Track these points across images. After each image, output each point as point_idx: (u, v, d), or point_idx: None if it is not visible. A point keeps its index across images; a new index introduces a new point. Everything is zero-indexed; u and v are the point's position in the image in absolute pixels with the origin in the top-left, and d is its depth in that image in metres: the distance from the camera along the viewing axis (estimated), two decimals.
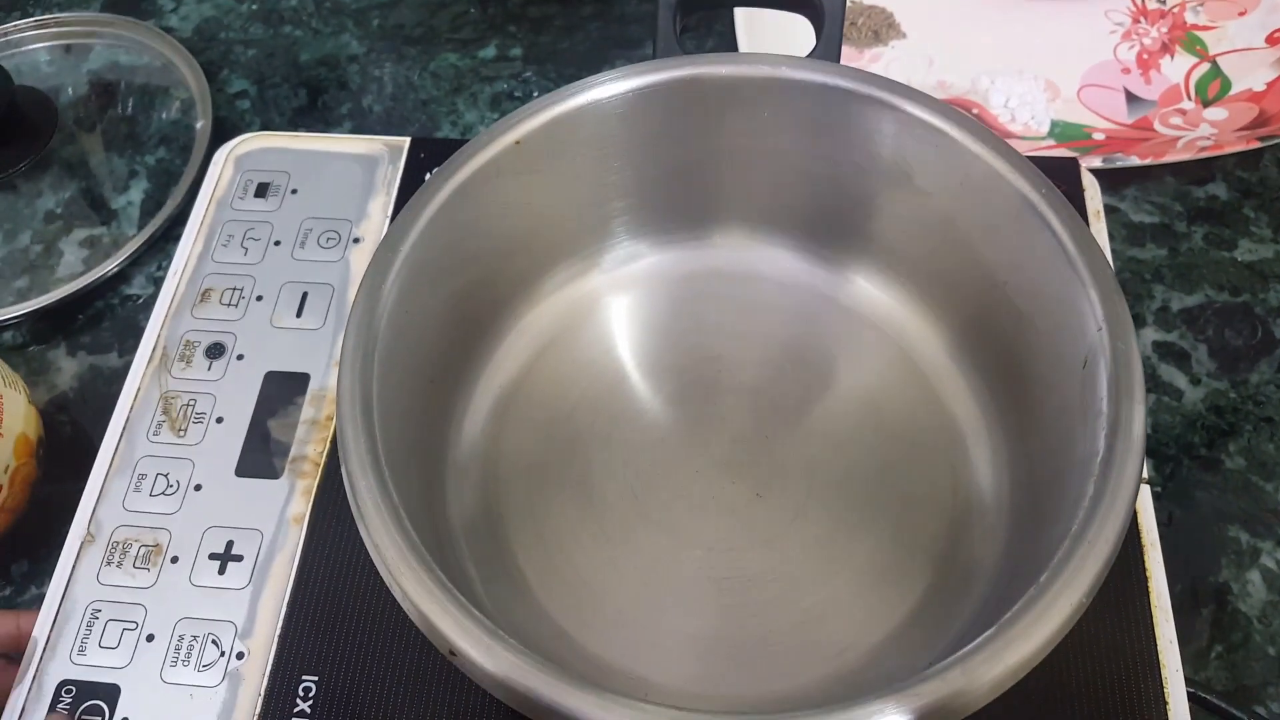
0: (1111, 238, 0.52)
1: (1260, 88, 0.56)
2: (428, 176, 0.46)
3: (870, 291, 0.42)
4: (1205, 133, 0.55)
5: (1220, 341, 0.51)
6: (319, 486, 0.40)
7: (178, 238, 0.50)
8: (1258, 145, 0.53)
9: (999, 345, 0.38)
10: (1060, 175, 0.46)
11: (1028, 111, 0.57)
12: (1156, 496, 0.45)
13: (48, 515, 0.46)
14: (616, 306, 0.43)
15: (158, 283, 0.56)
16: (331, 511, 0.40)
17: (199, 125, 0.62)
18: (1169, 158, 0.53)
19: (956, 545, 0.37)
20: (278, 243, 0.47)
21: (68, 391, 0.53)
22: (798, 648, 0.36)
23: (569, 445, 0.40)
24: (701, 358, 0.42)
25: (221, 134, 0.59)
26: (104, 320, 0.55)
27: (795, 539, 0.38)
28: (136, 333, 0.51)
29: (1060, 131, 0.57)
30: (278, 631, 0.37)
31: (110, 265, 0.56)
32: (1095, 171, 0.50)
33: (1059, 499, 0.31)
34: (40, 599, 0.40)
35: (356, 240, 0.47)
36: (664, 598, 0.37)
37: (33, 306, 0.55)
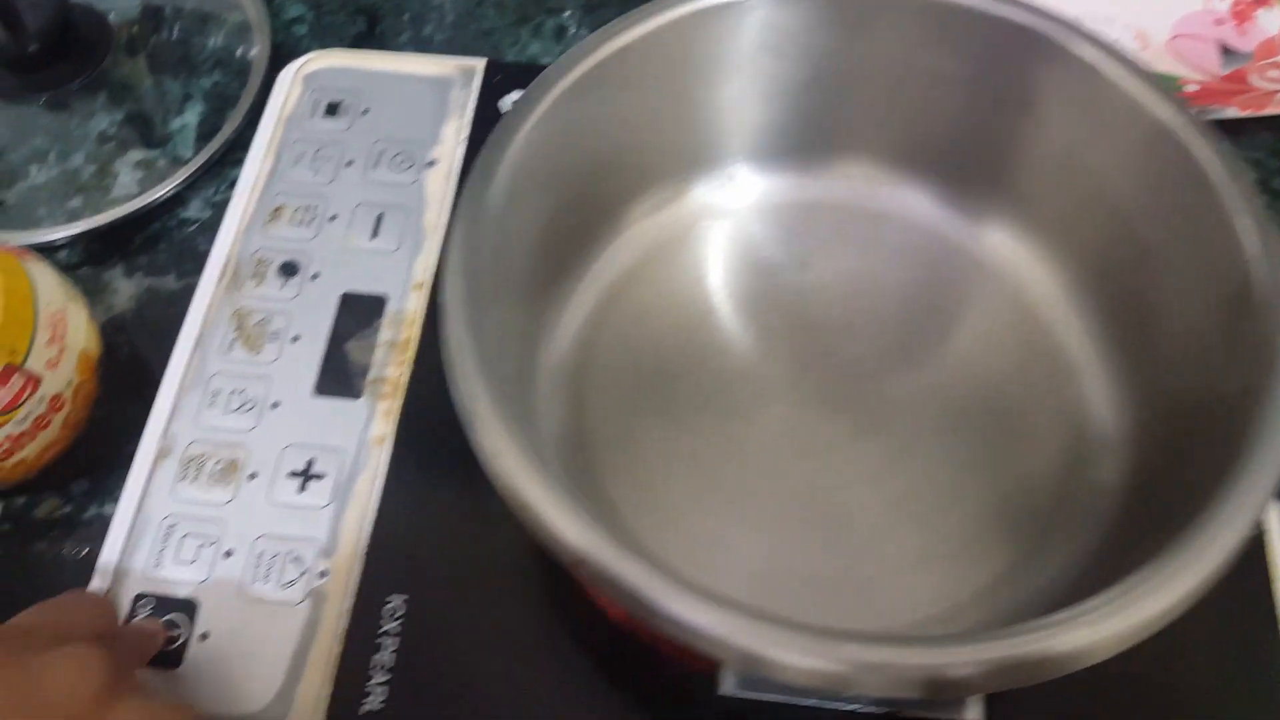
0: None
1: None
2: (506, 102, 0.45)
3: (988, 233, 0.40)
4: None
5: None
6: (401, 409, 0.39)
7: (236, 163, 0.49)
8: None
9: (1121, 283, 0.36)
10: None
11: None
12: None
13: (107, 435, 0.44)
14: (716, 232, 0.42)
15: (216, 207, 0.54)
16: (415, 434, 0.38)
17: (255, 50, 0.60)
18: (1269, 110, 0.51)
19: (1073, 485, 0.35)
20: (350, 163, 0.46)
21: (125, 313, 0.51)
22: (903, 588, 0.35)
23: (659, 374, 0.39)
24: (802, 292, 0.41)
25: (277, 60, 0.58)
26: (160, 243, 0.54)
27: (899, 478, 0.37)
28: (195, 256, 0.50)
29: None
30: (362, 549, 0.36)
31: (166, 188, 0.54)
32: None
33: (1201, 434, 0.30)
34: (99, 518, 0.38)
35: (431, 164, 0.46)
36: (759, 532, 0.36)
37: (86, 227, 0.53)
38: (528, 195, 0.34)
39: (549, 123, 0.34)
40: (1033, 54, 0.35)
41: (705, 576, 0.34)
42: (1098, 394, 0.37)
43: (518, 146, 0.33)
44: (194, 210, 0.55)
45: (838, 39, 0.38)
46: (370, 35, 0.62)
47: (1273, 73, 0.54)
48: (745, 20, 0.36)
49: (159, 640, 0.35)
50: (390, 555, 0.36)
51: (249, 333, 0.41)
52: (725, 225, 0.42)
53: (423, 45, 0.61)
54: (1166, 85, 0.54)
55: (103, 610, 0.34)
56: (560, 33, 0.61)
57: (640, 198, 0.40)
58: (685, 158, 0.40)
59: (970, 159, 0.39)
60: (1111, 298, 0.37)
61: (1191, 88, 0.54)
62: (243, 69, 0.60)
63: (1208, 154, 0.32)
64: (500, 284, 0.33)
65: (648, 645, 0.33)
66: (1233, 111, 0.51)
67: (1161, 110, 0.33)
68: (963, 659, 0.25)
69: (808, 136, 0.41)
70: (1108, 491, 0.35)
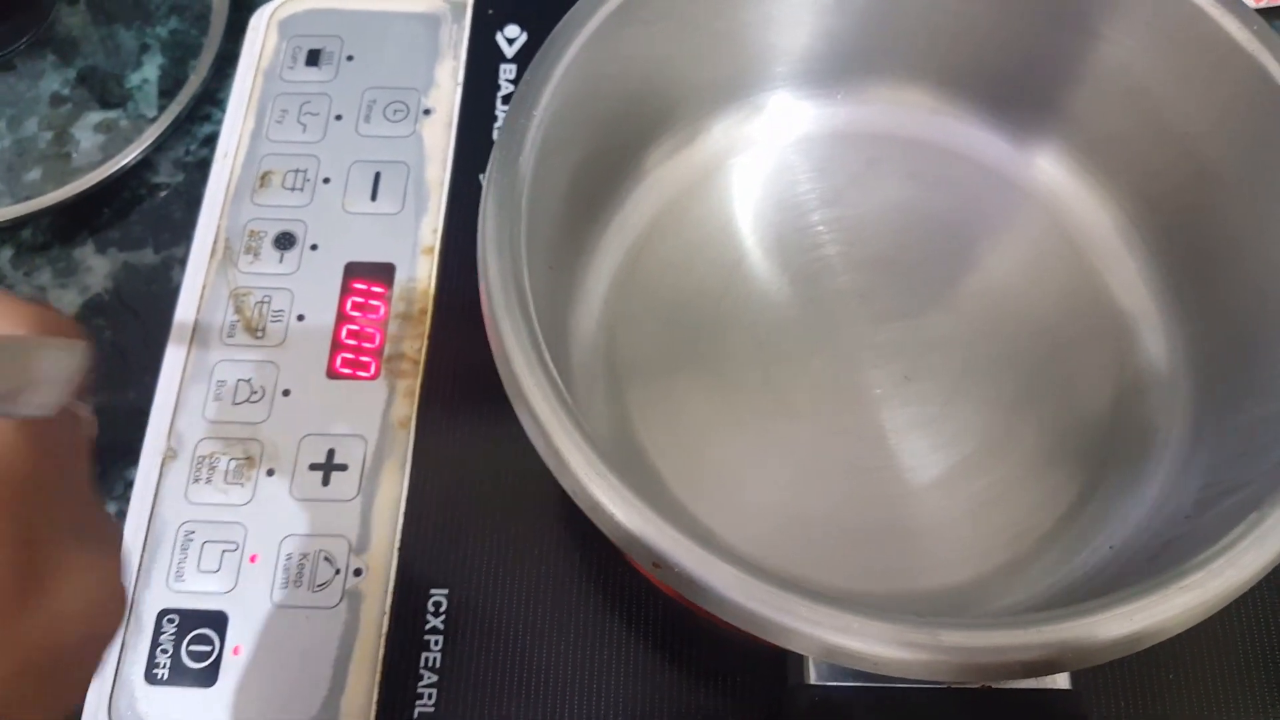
0: None
1: None
2: (501, 38, 0.42)
3: (1040, 164, 0.38)
4: None
5: None
6: (422, 386, 0.37)
7: (205, 119, 0.45)
8: None
9: (1184, 216, 0.34)
10: None
11: None
12: None
13: (104, 435, 0.42)
14: (746, 167, 0.39)
15: (188, 169, 0.50)
16: (441, 412, 0.36)
17: None
18: None
19: (1129, 423, 0.34)
20: (339, 117, 0.43)
21: (103, 294, 0.48)
22: (963, 539, 0.34)
23: (694, 330, 0.37)
24: (838, 229, 0.38)
25: (239, 1, 0.53)
26: (132, 213, 0.50)
27: (950, 424, 0.35)
28: (171, 226, 0.47)
29: None
30: (397, 543, 0.34)
31: (133, 152, 0.51)
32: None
33: (1265, 367, 0.28)
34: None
35: (427, 112, 0.43)
36: (812, 488, 0.35)
37: (50, 201, 0.50)
38: (557, 151, 0.32)
39: (579, 70, 0.31)
40: None
41: (761, 544, 0.33)
42: (1151, 332, 0.35)
43: (547, 101, 0.30)
44: (164, 174, 0.51)
45: None
46: None
47: None
48: None
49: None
50: (427, 546, 0.34)
51: (249, 315, 0.38)
52: (753, 160, 0.39)
53: None
54: None
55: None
56: None
57: (664, 136, 0.38)
58: (715, 89, 0.38)
59: (1018, 80, 0.37)
60: (1169, 228, 0.35)
61: None
62: (202, 13, 0.55)
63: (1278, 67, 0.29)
64: (533, 251, 0.30)
65: (708, 623, 0.32)
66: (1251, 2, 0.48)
67: (1230, 23, 0.30)
68: (1066, 635, 0.24)
69: (843, 60, 0.38)
70: (1164, 429, 0.33)
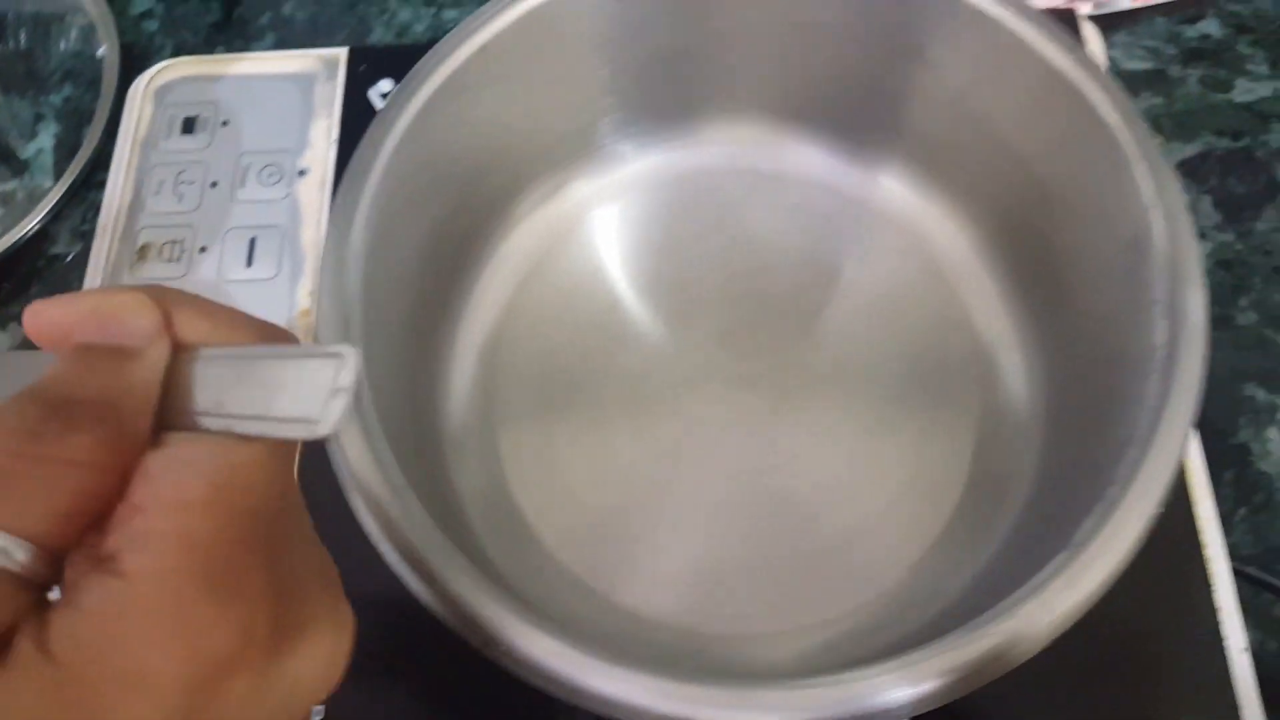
0: None
1: None
2: (375, 94, 0.42)
3: (887, 184, 0.39)
4: None
5: (1223, 191, 0.48)
6: (299, 468, 0.37)
7: (101, 185, 0.45)
8: None
9: (1030, 237, 0.35)
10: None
11: None
12: None
13: None
14: (606, 219, 0.40)
15: (85, 237, 0.51)
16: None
17: (103, 53, 0.56)
18: None
19: (988, 455, 0.35)
20: (214, 184, 0.43)
21: None
22: (837, 571, 0.35)
23: (569, 379, 0.38)
24: (705, 268, 0.39)
25: (131, 62, 0.53)
26: (32, 286, 0.50)
27: (819, 456, 0.36)
28: None
29: None
30: None
31: (30, 223, 0.51)
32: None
33: (1108, 401, 0.29)
34: None
35: (302, 172, 0.43)
36: (691, 534, 0.35)
37: None
38: (404, 217, 0.32)
39: (414, 136, 0.32)
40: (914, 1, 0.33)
41: (642, 597, 0.34)
42: (1009, 358, 0.36)
43: (382, 167, 0.30)
44: (62, 244, 0.51)
45: (692, 5, 0.35)
46: (228, 22, 0.58)
47: None
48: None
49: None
50: None
51: None
52: (616, 209, 0.40)
53: (285, 26, 0.57)
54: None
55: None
56: None
57: (521, 195, 0.38)
58: (566, 146, 0.38)
59: (862, 110, 0.38)
60: (1019, 250, 0.36)
61: None
62: (95, 77, 0.56)
63: (1100, 96, 0.30)
64: (382, 332, 0.31)
65: None
66: (1126, 3, 0.49)
67: (1052, 52, 0.31)
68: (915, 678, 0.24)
69: (690, 104, 0.39)
70: (1019, 459, 0.34)
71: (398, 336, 0.32)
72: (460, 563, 0.25)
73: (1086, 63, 0.30)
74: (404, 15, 0.57)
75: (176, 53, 0.56)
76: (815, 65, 0.37)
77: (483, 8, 0.32)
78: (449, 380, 0.36)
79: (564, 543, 0.35)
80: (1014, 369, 0.36)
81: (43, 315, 0.19)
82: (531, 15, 0.33)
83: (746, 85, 0.38)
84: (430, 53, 0.32)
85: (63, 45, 0.57)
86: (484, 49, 0.32)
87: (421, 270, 0.34)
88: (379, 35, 0.56)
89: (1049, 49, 0.31)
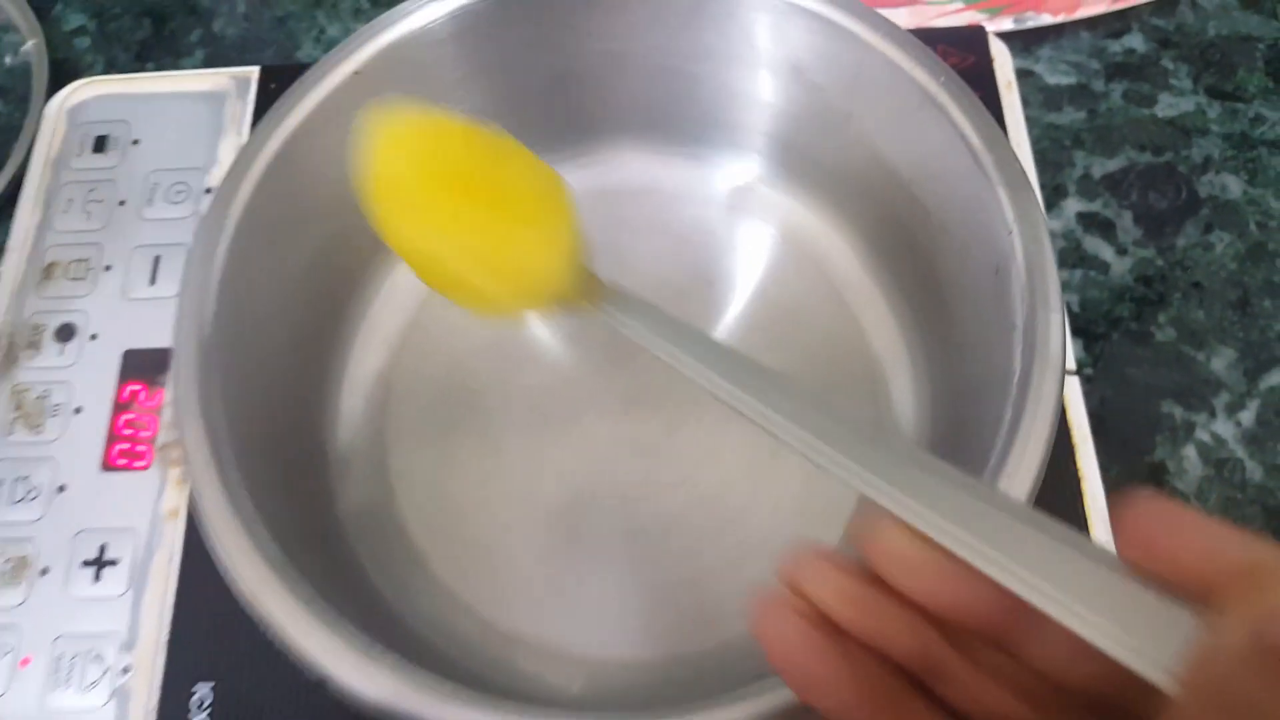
0: (1027, 104, 0.49)
1: None
2: None
3: (775, 200, 0.39)
4: None
5: (1145, 206, 0.48)
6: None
7: None
8: None
9: (913, 253, 0.35)
10: (968, 46, 0.42)
11: None
12: (1087, 380, 0.43)
13: None
14: None
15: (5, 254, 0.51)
16: None
17: (34, 70, 0.56)
18: (1082, 11, 0.49)
19: None
20: (123, 202, 0.43)
21: None
22: (732, 591, 0.34)
23: (465, 402, 0.37)
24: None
25: (61, 78, 0.53)
26: None
27: (713, 474, 0.36)
28: None
29: None
30: (164, 638, 0.35)
31: None
32: (1006, 35, 0.47)
33: (976, 423, 0.28)
34: None
35: (209, 191, 0.43)
36: (580, 556, 0.35)
37: None
38: (274, 246, 0.32)
39: (285, 163, 0.32)
40: (789, 21, 0.33)
41: (526, 619, 0.34)
42: (898, 372, 0.36)
43: (244, 201, 0.30)
44: None
45: (559, 35, 0.35)
46: (159, 38, 0.58)
47: None
48: (469, 28, 0.34)
49: None
50: (194, 640, 0.34)
51: (28, 410, 0.39)
52: None
53: (215, 43, 0.57)
54: None
55: None
56: (357, 13, 0.57)
57: None
58: None
59: (720, 121, 0.37)
60: (907, 268, 0.36)
61: None
62: (25, 94, 0.56)
63: (964, 119, 0.30)
64: (256, 353, 0.31)
65: None
66: (1047, 18, 0.49)
67: (920, 74, 0.31)
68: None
69: (564, 129, 0.38)
70: None
71: (278, 355, 0.32)
72: (293, 601, 0.24)
73: (954, 85, 0.30)
74: (333, 31, 0.57)
75: (107, 69, 0.56)
76: (678, 87, 0.37)
77: (356, 33, 0.32)
78: (339, 400, 0.36)
79: (451, 565, 0.35)
80: (903, 389, 0.35)
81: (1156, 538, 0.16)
82: (403, 42, 0.32)
83: (615, 109, 0.38)
84: (302, 77, 0.32)
85: None
86: (357, 74, 0.32)
87: (307, 293, 0.34)
88: (308, 52, 0.56)
89: (918, 71, 0.31)
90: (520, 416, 0.37)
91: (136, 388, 0.39)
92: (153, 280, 0.41)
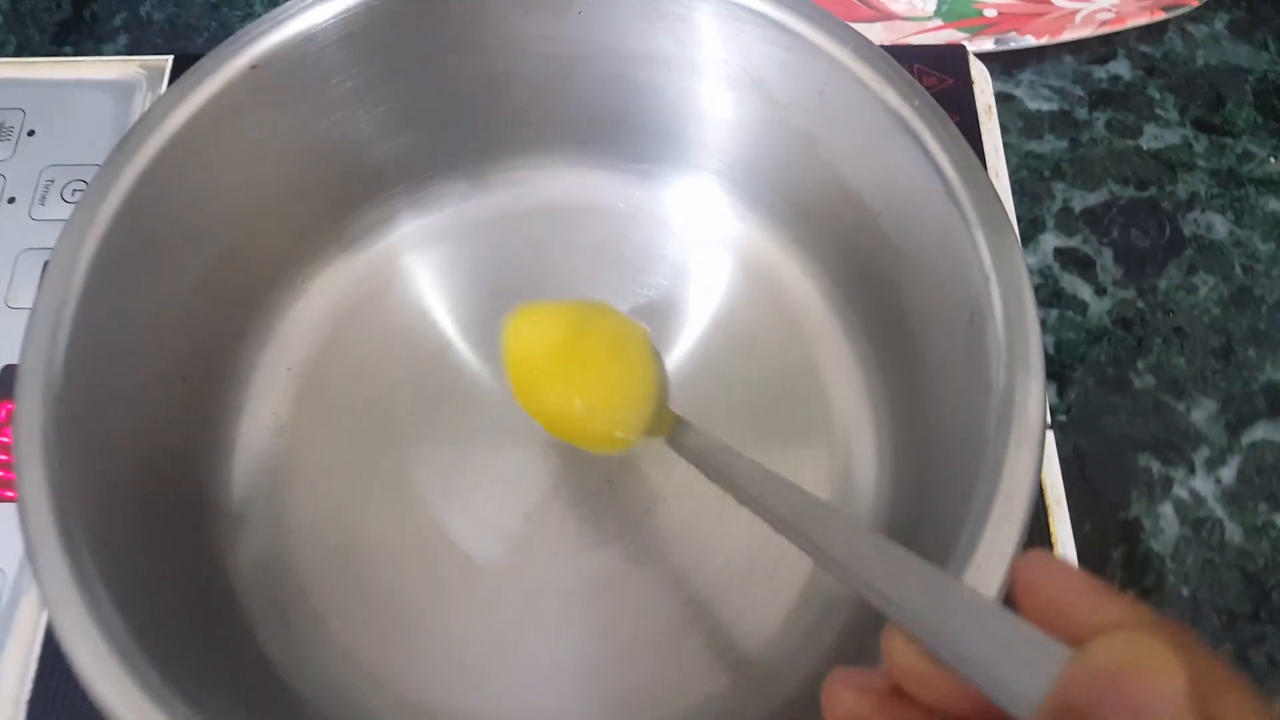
0: (1006, 130, 0.46)
1: None
2: None
3: (731, 225, 0.35)
4: (1105, 3, 0.49)
5: (1126, 243, 0.45)
6: None
7: None
8: (1163, 17, 0.47)
9: (879, 290, 0.31)
10: (946, 66, 0.39)
11: None
12: (1060, 428, 0.40)
13: None
14: (419, 265, 0.36)
15: None
16: None
17: None
18: (1067, 35, 0.46)
19: None
20: (12, 200, 0.39)
21: None
22: (675, 658, 0.31)
23: (381, 441, 0.34)
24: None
25: None
26: None
27: (653, 531, 0.32)
28: None
29: (949, 9, 0.49)
30: (25, 695, 0.31)
31: None
32: (986, 56, 0.44)
33: (942, 491, 0.25)
34: None
35: None
36: (502, 621, 0.31)
37: None
38: (153, 264, 0.28)
39: (170, 167, 0.28)
40: (749, 29, 0.29)
41: (439, 689, 0.30)
42: (858, 424, 0.32)
43: (113, 213, 0.27)
44: None
45: (489, 35, 0.32)
46: (79, 20, 0.53)
47: None
48: (386, 23, 0.30)
49: None
50: (59, 700, 0.30)
51: None
52: (436, 255, 0.36)
53: (140, 27, 0.53)
54: (963, 11, 0.50)
55: None
56: None
57: (327, 234, 0.34)
58: (366, 182, 0.34)
59: (669, 135, 0.34)
60: (871, 308, 0.32)
61: (990, 12, 0.49)
62: None
63: (939, 148, 0.26)
64: (126, 388, 0.27)
65: None
66: (1030, 40, 0.46)
67: (891, 96, 0.28)
68: None
69: (496, 141, 0.35)
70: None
71: (154, 391, 0.28)
72: (132, 686, 0.21)
73: (929, 110, 0.27)
74: None
75: (19, 51, 0.52)
76: (623, 97, 0.33)
77: (253, 23, 0.29)
78: (232, 442, 0.32)
79: (356, 627, 0.31)
80: (863, 438, 0.32)
81: (1043, 590, 0.17)
82: (309, 35, 0.29)
83: (553, 120, 0.35)
84: (191, 70, 0.28)
85: None
86: (254, 69, 0.28)
87: (192, 321, 0.30)
88: None
89: (889, 93, 0.27)
90: (442, 459, 0.33)
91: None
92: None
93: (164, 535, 0.27)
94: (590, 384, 0.29)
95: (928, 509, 0.26)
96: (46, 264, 0.26)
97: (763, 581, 0.31)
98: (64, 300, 0.25)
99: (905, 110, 0.27)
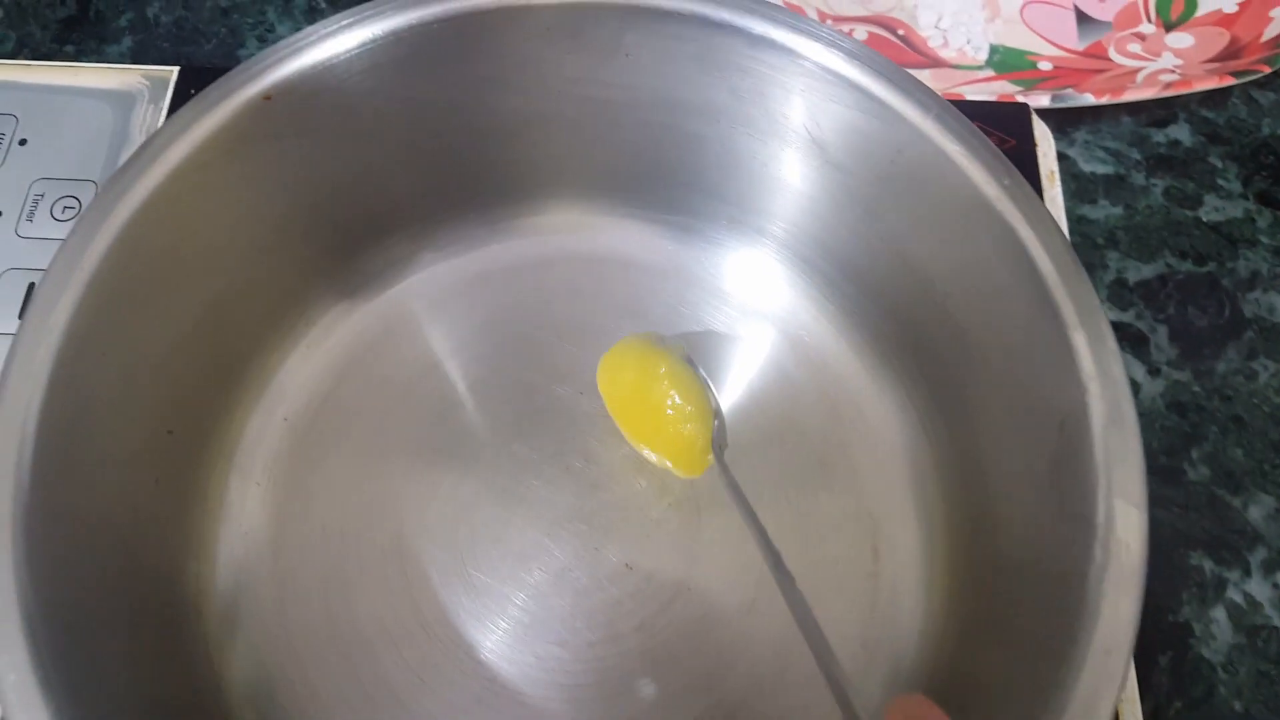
0: None
1: (1232, 8, 0.47)
2: None
3: (777, 292, 0.33)
4: (1169, 64, 0.46)
5: (1183, 321, 0.43)
6: None
7: None
8: (1231, 82, 0.44)
9: (939, 380, 0.28)
10: (1008, 125, 0.37)
11: (963, 34, 0.47)
12: None
13: None
14: (429, 313, 0.33)
15: None
16: None
17: None
18: (1128, 95, 0.44)
19: (872, 647, 0.28)
20: None
21: None
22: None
23: (380, 507, 0.30)
24: (553, 376, 0.32)
25: None
26: None
27: (673, 625, 0.29)
28: None
29: (1000, 59, 0.47)
30: None
31: None
32: (1042, 113, 0.41)
33: (1008, 632, 0.22)
34: None
35: None
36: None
37: None
38: (143, 309, 0.25)
39: (170, 202, 0.25)
40: (815, 85, 0.27)
41: None
42: (905, 540, 0.29)
43: (104, 250, 0.24)
44: None
45: (524, 75, 0.29)
46: (83, 19, 0.50)
47: (1133, 45, 0.46)
48: (409, 54, 0.27)
49: None
50: None
51: None
52: (449, 303, 0.33)
53: (146, 29, 0.50)
54: (1016, 62, 0.47)
55: None
56: (311, 12, 0.51)
57: (327, 279, 0.32)
58: (377, 223, 0.32)
59: (712, 189, 0.31)
60: (926, 397, 0.29)
61: (1045, 65, 0.46)
62: None
63: (1033, 237, 0.24)
64: (112, 454, 0.24)
65: None
66: (1088, 99, 0.43)
67: (975, 170, 0.25)
68: None
69: (539, 183, 0.32)
70: (904, 652, 0.27)
71: (133, 469, 0.25)
72: None
73: (1020, 192, 0.24)
74: (283, 30, 0.50)
75: (18, 51, 0.49)
76: (666, 149, 0.31)
77: (268, 49, 0.26)
78: (237, 479, 0.29)
79: (345, 717, 0.28)
80: (909, 549, 0.29)
81: None
82: (326, 67, 0.26)
83: (582, 168, 0.32)
84: (199, 96, 0.25)
85: None
86: (267, 99, 0.25)
87: (197, 351, 0.27)
88: (251, 51, 0.49)
89: (974, 167, 0.24)
90: (446, 536, 0.31)
91: None
92: (23, 314, 0.34)
93: (144, 642, 0.24)
94: (652, 419, 0.30)
95: (990, 653, 0.23)
96: (20, 325, 0.23)
97: (795, 690, 0.28)
98: (40, 356, 0.22)
99: (992, 190, 0.24)
